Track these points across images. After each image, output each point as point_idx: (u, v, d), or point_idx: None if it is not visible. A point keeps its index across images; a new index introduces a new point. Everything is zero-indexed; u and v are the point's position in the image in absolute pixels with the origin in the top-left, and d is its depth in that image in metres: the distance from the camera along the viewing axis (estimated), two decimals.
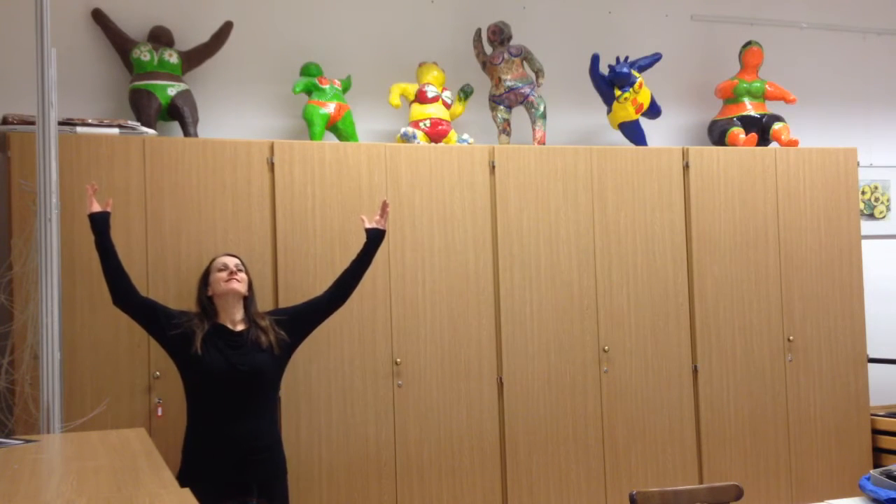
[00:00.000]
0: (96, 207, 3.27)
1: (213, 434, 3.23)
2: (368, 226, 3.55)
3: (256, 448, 3.27)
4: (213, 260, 3.48)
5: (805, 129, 5.16)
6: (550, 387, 4.18)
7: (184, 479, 3.03)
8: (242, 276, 3.40)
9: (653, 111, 4.69)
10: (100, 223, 3.26)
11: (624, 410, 4.30)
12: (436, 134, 4.24)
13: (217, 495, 3.12)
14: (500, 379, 4.10)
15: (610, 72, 4.59)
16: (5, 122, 3.58)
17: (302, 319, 3.47)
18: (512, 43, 4.50)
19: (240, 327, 3.36)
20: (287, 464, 3.43)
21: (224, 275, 3.36)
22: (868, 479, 3.02)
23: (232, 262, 3.42)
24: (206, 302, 3.38)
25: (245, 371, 3.24)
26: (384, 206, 3.57)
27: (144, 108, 3.90)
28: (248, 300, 3.41)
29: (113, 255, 3.27)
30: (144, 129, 3.79)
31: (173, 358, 3.34)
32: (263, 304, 3.78)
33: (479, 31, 4.57)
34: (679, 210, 4.46)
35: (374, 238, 3.53)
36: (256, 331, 3.33)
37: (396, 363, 3.94)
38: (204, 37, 4.15)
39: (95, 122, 3.71)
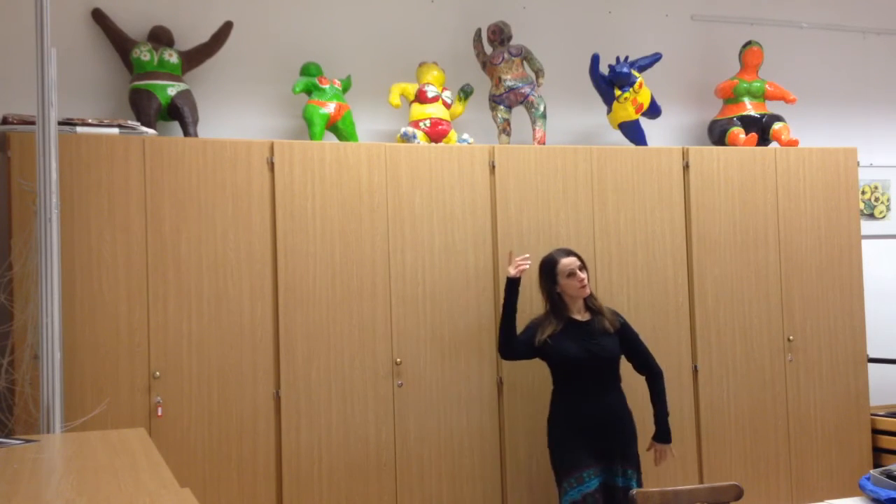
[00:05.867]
0: (514, 272, 3.81)
1: (578, 410, 3.72)
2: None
3: (615, 419, 3.75)
4: (557, 261, 3.83)
5: (805, 129, 5.16)
6: (550, 387, 4.17)
7: (556, 445, 3.73)
8: (585, 277, 3.81)
9: (653, 111, 4.69)
10: (515, 286, 3.82)
11: None
12: (436, 134, 4.23)
13: (588, 460, 3.64)
14: (500, 379, 4.10)
15: (610, 72, 4.59)
16: (5, 122, 3.58)
17: (623, 339, 3.87)
18: (512, 43, 4.49)
19: (585, 317, 3.82)
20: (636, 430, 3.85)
21: (576, 282, 3.78)
22: (868, 479, 3.02)
23: (577, 266, 3.80)
24: (557, 298, 3.82)
25: (604, 357, 3.74)
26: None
27: (144, 107, 3.89)
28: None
29: (514, 318, 3.81)
30: (144, 128, 3.79)
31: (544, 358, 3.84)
32: (263, 304, 3.78)
33: (479, 31, 4.56)
34: (679, 210, 4.46)
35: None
36: (601, 318, 3.81)
37: (396, 363, 3.94)
38: (204, 37, 4.15)
39: (95, 122, 3.71)
